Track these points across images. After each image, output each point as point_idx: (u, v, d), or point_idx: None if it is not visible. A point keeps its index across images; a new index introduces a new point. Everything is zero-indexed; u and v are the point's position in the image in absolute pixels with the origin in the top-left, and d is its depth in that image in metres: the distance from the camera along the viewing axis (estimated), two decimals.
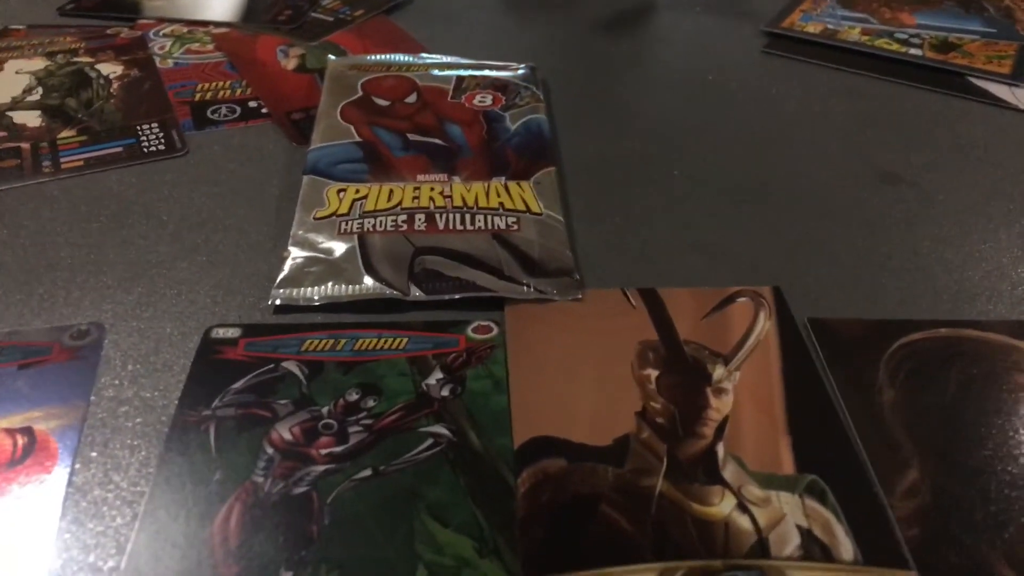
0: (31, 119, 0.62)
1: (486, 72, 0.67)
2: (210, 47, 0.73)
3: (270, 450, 0.39)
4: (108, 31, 0.75)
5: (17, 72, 0.68)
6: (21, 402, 0.41)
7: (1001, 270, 0.50)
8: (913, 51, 0.75)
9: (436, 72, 0.67)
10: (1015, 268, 0.51)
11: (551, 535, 0.36)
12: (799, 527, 0.36)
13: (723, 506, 0.37)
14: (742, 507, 0.37)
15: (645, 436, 0.40)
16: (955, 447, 0.40)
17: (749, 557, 0.35)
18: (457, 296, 0.47)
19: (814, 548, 0.35)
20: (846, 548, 0.35)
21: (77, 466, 0.38)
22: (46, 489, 0.37)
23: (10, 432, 0.39)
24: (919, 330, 0.46)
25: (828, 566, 0.35)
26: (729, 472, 0.38)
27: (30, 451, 0.38)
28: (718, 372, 0.43)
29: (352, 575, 0.34)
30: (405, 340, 0.45)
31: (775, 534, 0.36)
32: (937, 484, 0.38)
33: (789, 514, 0.37)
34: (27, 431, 0.39)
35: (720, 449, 0.39)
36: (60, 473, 0.38)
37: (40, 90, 0.66)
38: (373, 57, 0.69)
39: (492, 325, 0.46)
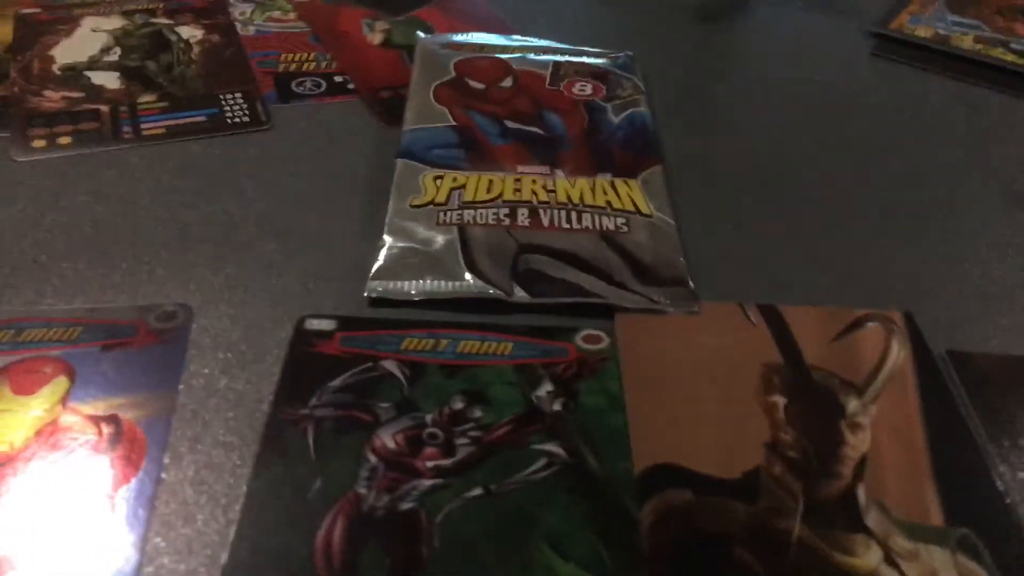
0: (110, 80, 0.59)
1: (584, 59, 0.63)
2: (292, 16, 0.70)
3: (373, 458, 0.36)
4: None
5: (94, 30, 0.65)
6: (105, 387, 0.38)
7: None
8: None
9: (532, 56, 0.63)
10: None
11: (683, 573, 0.33)
12: None
13: (869, 558, 0.33)
14: (890, 560, 0.33)
15: (777, 471, 0.37)
16: None
17: None
18: (565, 301, 0.44)
19: None
20: None
21: (167, 462, 0.35)
22: (134, 486, 0.34)
23: (95, 419, 0.37)
24: None
25: None
26: (872, 519, 0.35)
27: (116, 442, 0.36)
28: (852, 405, 0.40)
29: None
30: (510, 345, 0.42)
31: None
32: None
33: (941, 571, 0.33)
34: (113, 419, 0.37)
35: (861, 492, 0.36)
36: (149, 469, 0.35)
37: (118, 50, 0.63)
38: (463, 36, 0.66)
39: (602, 335, 0.43)
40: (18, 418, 0.36)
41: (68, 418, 0.37)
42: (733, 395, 0.40)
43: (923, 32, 0.75)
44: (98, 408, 0.37)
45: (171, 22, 0.67)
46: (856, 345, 0.43)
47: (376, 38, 0.68)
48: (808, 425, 0.39)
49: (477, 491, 0.35)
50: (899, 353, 0.42)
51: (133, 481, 0.34)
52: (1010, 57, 0.72)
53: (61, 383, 0.38)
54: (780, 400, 0.40)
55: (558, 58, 0.63)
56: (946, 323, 0.45)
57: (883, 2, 0.80)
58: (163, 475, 0.35)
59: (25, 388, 0.38)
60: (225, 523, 0.33)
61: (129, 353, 0.40)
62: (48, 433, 0.36)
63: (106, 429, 0.36)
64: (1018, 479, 0.37)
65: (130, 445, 0.36)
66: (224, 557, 0.32)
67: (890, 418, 0.39)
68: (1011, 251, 0.50)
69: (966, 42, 0.74)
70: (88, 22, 0.66)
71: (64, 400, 0.37)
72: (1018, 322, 0.45)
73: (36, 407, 0.37)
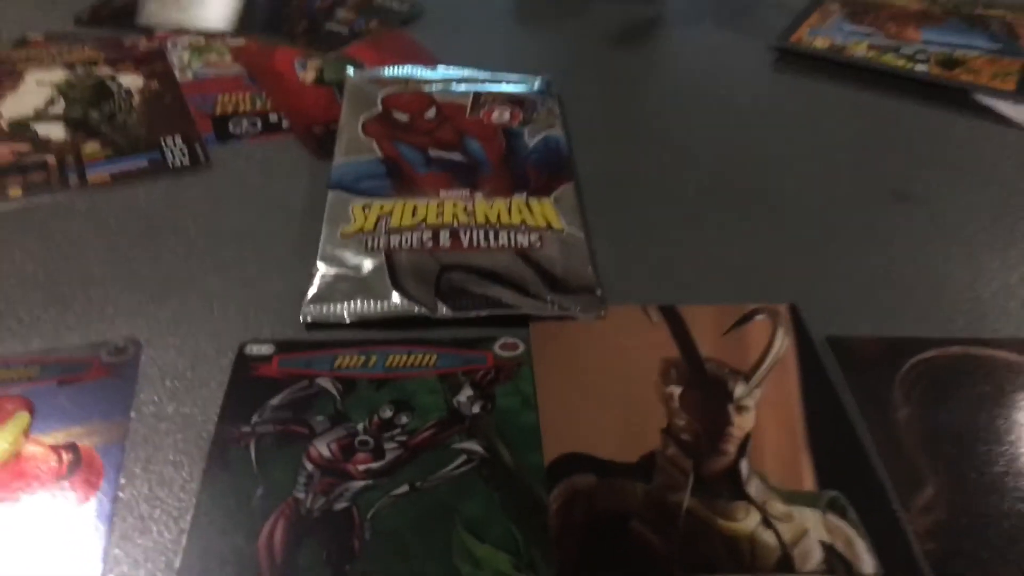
0: (55, 131, 0.63)
1: (503, 87, 0.68)
2: (228, 59, 0.74)
3: (310, 466, 0.40)
4: (126, 42, 0.76)
5: (38, 83, 0.69)
6: (63, 419, 0.42)
7: (1009, 289, 0.52)
8: (919, 67, 0.77)
9: (454, 87, 0.68)
10: (1023, 286, 0.52)
11: (585, 550, 0.37)
12: (822, 542, 0.37)
13: (748, 522, 0.38)
14: (767, 523, 0.38)
15: (671, 452, 0.41)
16: (968, 464, 0.41)
17: (774, 571, 0.36)
18: (484, 313, 0.49)
19: (836, 563, 0.37)
20: (867, 563, 0.37)
21: (122, 482, 0.39)
22: (94, 505, 0.38)
23: (55, 448, 0.40)
24: (932, 348, 0.47)
25: None
26: (753, 488, 0.40)
27: (76, 467, 0.40)
28: (739, 390, 0.45)
29: None
30: (434, 357, 0.46)
31: (799, 549, 0.37)
32: (952, 500, 0.39)
33: (812, 529, 0.38)
34: (72, 447, 0.40)
35: (744, 466, 0.41)
36: (107, 489, 0.39)
37: (62, 102, 0.66)
38: (391, 71, 0.70)
39: (518, 342, 0.47)
40: None
41: (31, 448, 0.40)
42: (634, 388, 0.45)
43: (821, 43, 0.81)
44: (58, 438, 0.41)
45: (112, 72, 0.71)
46: (745, 336, 0.48)
47: (309, 76, 0.72)
48: (700, 410, 0.43)
49: (404, 488, 0.39)
50: (783, 341, 0.47)
51: (92, 500, 0.38)
52: (900, 62, 0.78)
53: (22, 417, 0.42)
54: (676, 390, 0.45)
55: (478, 87, 0.68)
56: (828, 312, 0.50)
57: (789, 16, 0.86)
58: (120, 494, 0.39)
59: None
60: (178, 532, 0.37)
61: (84, 387, 0.44)
62: (13, 463, 0.40)
63: (66, 456, 0.40)
64: (882, 445, 0.42)
65: (88, 469, 0.40)
66: (178, 562, 0.36)
67: (773, 399, 0.44)
68: (889, 244, 0.56)
69: (860, 50, 0.80)
70: (32, 75, 0.70)
71: (26, 432, 0.41)
72: (888, 306, 0.51)
73: (0, 440, 0.41)
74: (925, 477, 0.40)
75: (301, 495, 0.39)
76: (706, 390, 0.45)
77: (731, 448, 0.42)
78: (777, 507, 0.39)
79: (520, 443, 0.41)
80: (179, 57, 0.74)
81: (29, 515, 0.37)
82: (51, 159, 0.60)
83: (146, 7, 0.82)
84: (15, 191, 0.57)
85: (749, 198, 0.60)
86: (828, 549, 0.37)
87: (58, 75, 0.70)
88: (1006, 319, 0.50)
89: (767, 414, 0.43)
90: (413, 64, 0.72)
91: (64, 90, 0.68)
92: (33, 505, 0.38)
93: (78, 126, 0.64)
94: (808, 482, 0.40)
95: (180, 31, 0.78)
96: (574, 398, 0.44)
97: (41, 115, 0.65)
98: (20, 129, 0.63)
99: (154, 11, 0.81)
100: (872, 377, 0.45)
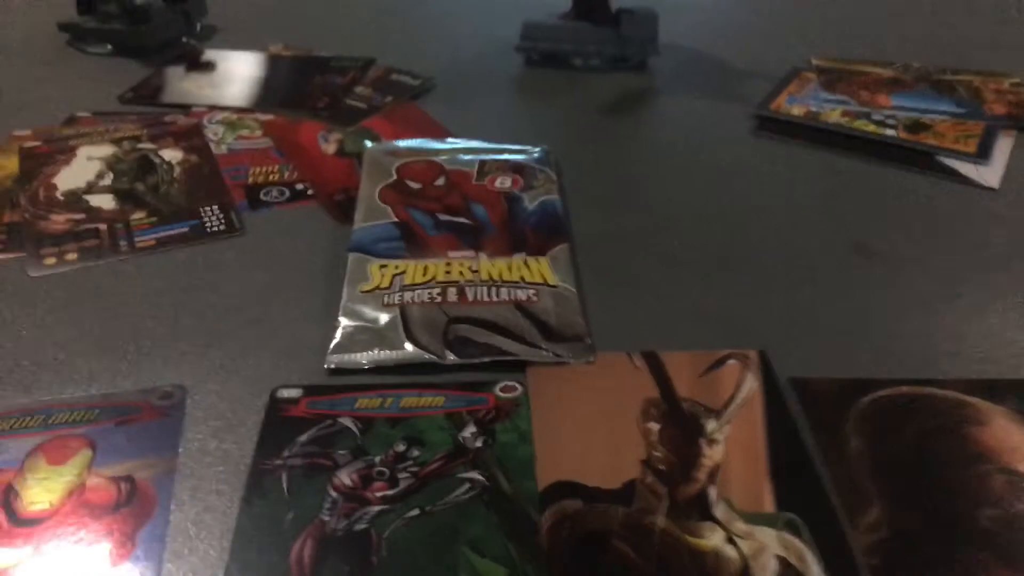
0: (105, 202, 0.71)
1: (505, 156, 0.76)
2: (258, 133, 0.82)
3: (334, 493, 0.46)
4: (166, 118, 0.84)
5: (88, 158, 0.77)
6: (121, 455, 0.48)
7: (960, 336, 0.58)
8: (888, 132, 0.84)
9: (461, 156, 0.75)
10: (971, 334, 0.58)
11: (572, 565, 0.43)
12: (777, 556, 0.43)
13: (714, 539, 0.44)
14: (730, 540, 0.44)
15: (649, 481, 0.47)
16: (911, 490, 0.47)
17: None
18: (486, 360, 0.55)
19: (790, 574, 0.42)
20: (816, 574, 0.42)
21: (173, 508, 0.45)
22: (149, 528, 0.44)
23: (115, 480, 0.47)
24: (884, 387, 0.53)
25: None
26: (720, 511, 0.45)
27: (133, 496, 0.46)
28: (711, 426, 0.50)
29: None
30: (442, 399, 0.52)
31: (757, 563, 0.43)
32: (895, 521, 0.45)
33: (769, 546, 0.44)
34: (129, 479, 0.47)
35: (712, 492, 0.46)
36: (160, 514, 0.45)
37: (111, 175, 0.74)
38: (404, 143, 0.78)
39: (517, 385, 0.53)
40: (54, 483, 0.46)
41: (94, 480, 0.47)
42: (618, 425, 0.51)
43: (797, 110, 0.89)
44: (116, 471, 0.47)
45: (155, 146, 0.79)
46: (718, 379, 0.54)
47: (330, 148, 0.80)
48: (675, 444, 0.49)
49: (415, 512, 0.45)
50: (751, 383, 0.54)
51: (148, 524, 0.44)
52: (870, 127, 0.85)
53: (86, 454, 0.48)
54: (655, 426, 0.51)
55: (483, 157, 0.75)
56: (793, 355, 0.56)
57: (769, 85, 0.94)
58: (171, 518, 0.45)
59: (57, 460, 0.48)
60: (220, 550, 0.43)
61: (138, 427, 0.50)
62: (79, 493, 0.46)
63: (124, 487, 0.46)
64: (835, 473, 0.48)
65: (143, 497, 0.46)
66: (222, 575, 0.42)
67: (740, 434, 0.50)
68: (852, 294, 0.62)
69: (834, 116, 0.87)
70: (83, 151, 0.78)
71: (90, 467, 0.47)
72: (849, 351, 0.57)
73: (67, 474, 0.47)
74: (871, 500, 0.46)
75: (327, 518, 0.45)
76: (682, 426, 0.51)
77: (702, 476, 0.47)
78: (739, 526, 0.45)
79: (517, 473, 0.48)
80: (214, 131, 0.82)
81: (95, 536, 0.44)
82: (103, 227, 0.67)
83: (172, 87, 0.91)
84: (71, 256, 0.64)
85: (726, 252, 0.67)
86: (783, 562, 0.43)
87: (106, 150, 0.78)
88: (955, 363, 0.56)
89: (735, 446, 0.49)
90: (424, 135, 0.80)
91: (112, 164, 0.76)
92: (98, 528, 0.44)
93: (126, 197, 0.71)
94: (768, 505, 0.46)
95: (212, 107, 0.86)
96: (565, 433, 0.50)
97: (92, 187, 0.72)
98: (74, 200, 0.71)
99: (181, 91, 0.90)
100: (828, 413, 0.51)
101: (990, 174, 0.77)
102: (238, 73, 0.96)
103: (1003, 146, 0.82)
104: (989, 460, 0.48)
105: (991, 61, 0.99)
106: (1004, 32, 1.11)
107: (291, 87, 0.92)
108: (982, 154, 0.80)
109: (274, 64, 0.98)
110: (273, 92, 0.91)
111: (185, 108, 0.87)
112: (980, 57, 1.00)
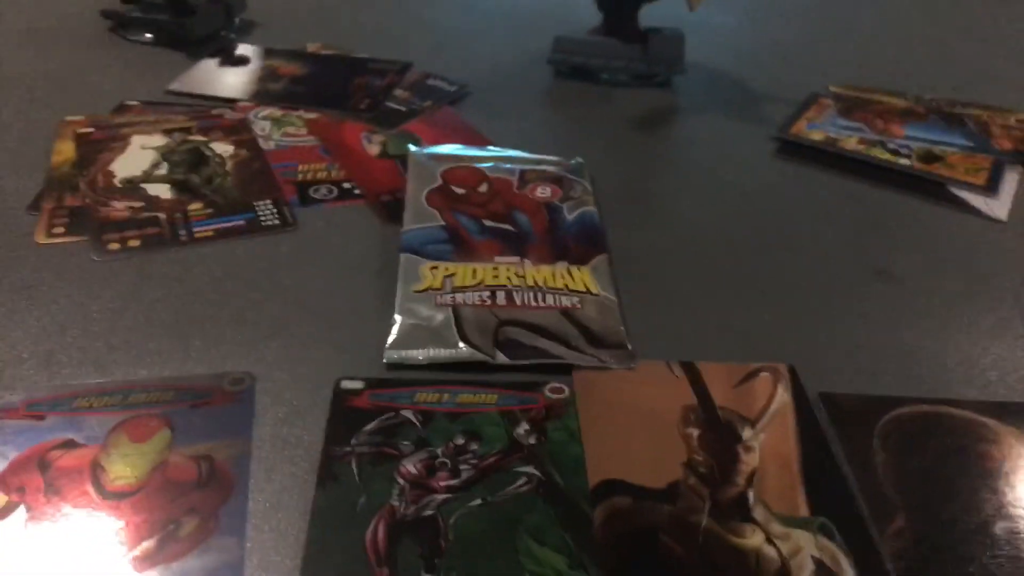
0: (163, 191, 0.73)
1: (544, 167, 0.79)
2: (304, 130, 0.85)
3: (401, 481, 0.49)
4: (213, 111, 0.87)
5: (143, 147, 0.79)
6: (198, 435, 0.51)
7: (972, 359, 0.62)
8: (903, 160, 0.88)
9: (502, 165, 0.79)
10: (983, 358, 0.62)
11: (624, 557, 0.47)
12: (813, 557, 0.47)
13: (755, 539, 0.48)
14: (769, 541, 0.48)
15: (691, 482, 0.51)
16: (932, 502, 0.51)
17: None
18: (535, 362, 0.59)
19: (825, 575, 0.46)
20: (849, 575, 0.46)
21: (252, 488, 0.49)
22: (230, 504, 0.47)
23: (195, 459, 0.50)
24: (905, 405, 0.57)
25: None
26: (758, 513, 0.49)
27: (212, 475, 0.49)
28: (747, 433, 0.54)
29: None
30: (495, 396, 0.56)
31: (795, 562, 0.47)
32: (918, 530, 0.49)
33: (806, 547, 0.48)
34: (208, 459, 0.50)
35: (751, 494, 0.50)
36: (239, 493, 0.48)
37: (165, 165, 0.77)
38: (447, 148, 0.81)
39: (564, 387, 0.57)
40: (138, 459, 0.49)
41: (175, 458, 0.50)
42: (660, 428, 0.54)
43: (816, 135, 0.93)
44: (195, 451, 0.50)
45: (205, 139, 0.81)
46: (752, 390, 0.58)
47: (374, 149, 0.83)
48: (714, 449, 0.53)
49: (477, 502, 0.49)
50: (783, 395, 0.57)
51: (229, 502, 0.48)
52: (885, 155, 0.89)
53: (165, 433, 0.51)
54: (694, 431, 0.54)
55: (523, 166, 0.79)
56: (820, 371, 0.60)
57: (790, 108, 0.98)
58: (250, 497, 0.48)
59: (139, 437, 0.51)
60: (299, 530, 0.47)
61: (212, 409, 0.53)
62: (162, 470, 0.49)
63: (204, 466, 0.49)
64: (862, 483, 0.52)
65: (223, 477, 0.49)
66: (303, 552, 0.45)
67: (774, 442, 0.54)
68: (872, 317, 0.66)
69: (851, 143, 0.92)
70: (136, 140, 0.80)
71: (170, 445, 0.50)
72: (871, 368, 0.61)
73: (149, 451, 0.50)
74: (896, 511, 0.50)
75: (396, 503, 0.48)
76: (719, 432, 0.54)
77: (741, 480, 0.51)
78: (777, 528, 0.48)
79: (569, 469, 0.51)
80: (261, 127, 0.84)
81: (180, 512, 0.47)
82: (163, 215, 0.70)
83: (208, 79, 0.94)
84: (134, 243, 0.67)
85: (752, 272, 0.70)
86: (819, 563, 0.47)
87: (158, 140, 0.80)
88: (968, 385, 0.60)
89: (769, 454, 0.53)
90: (463, 141, 0.84)
91: (165, 154, 0.78)
92: (183, 503, 0.47)
93: (182, 188, 0.74)
94: (803, 509, 0.50)
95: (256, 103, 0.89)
96: (611, 435, 0.54)
97: (149, 176, 0.75)
98: (132, 188, 0.73)
99: (189, 81, 0.93)
100: (855, 427, 0.55)
101: (999, 207, 0.82)
102: (276, 69, 0.99)
103: (1011, 180, 0.86)
104: (1002, 477, 0.52)
105: (1000, 95, 1.03)
106: (1013, 67, 1.16)
107: (332, 86, 0.95)
108: (991, 187, 0.84)
109: (313, 62, 1.01)
110: (314, 90, 0.94)
111: (230, 102, 0.89)
112: (991, 90, 1.05)
